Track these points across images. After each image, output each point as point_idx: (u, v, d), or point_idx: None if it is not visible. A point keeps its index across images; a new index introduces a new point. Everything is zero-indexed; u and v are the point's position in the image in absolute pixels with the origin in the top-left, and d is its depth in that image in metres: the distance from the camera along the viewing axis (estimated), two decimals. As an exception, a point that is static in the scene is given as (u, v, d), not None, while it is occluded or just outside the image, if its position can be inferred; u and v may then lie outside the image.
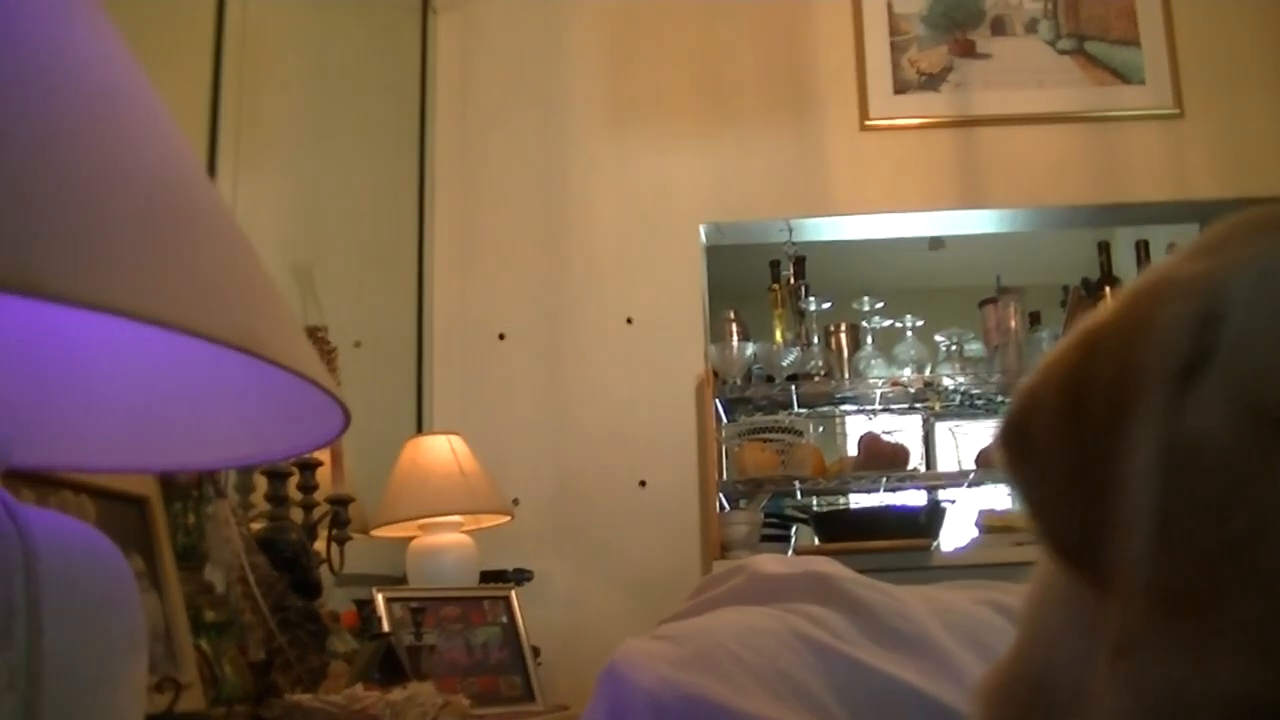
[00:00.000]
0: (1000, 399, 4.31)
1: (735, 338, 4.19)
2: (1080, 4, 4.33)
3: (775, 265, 4.43)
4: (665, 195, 4.22)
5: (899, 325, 4.30)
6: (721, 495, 4.08)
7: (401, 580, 3.18)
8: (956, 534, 4.12)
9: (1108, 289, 4.39)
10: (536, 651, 3.01)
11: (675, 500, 3.97)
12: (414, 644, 2.52)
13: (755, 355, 4.19)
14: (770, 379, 4.19)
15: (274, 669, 1.95)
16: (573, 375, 4.10)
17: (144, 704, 1.04)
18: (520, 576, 3.28)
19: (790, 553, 4.05)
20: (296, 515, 2.42)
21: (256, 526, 2.26)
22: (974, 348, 4.31)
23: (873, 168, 4.23)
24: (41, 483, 1.41)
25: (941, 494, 4.39)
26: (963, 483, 4.21)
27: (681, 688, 1.39)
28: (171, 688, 1.58)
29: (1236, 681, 0.73)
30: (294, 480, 2.39)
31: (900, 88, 4.28)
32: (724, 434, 4.16)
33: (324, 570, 2.43)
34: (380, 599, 2.75)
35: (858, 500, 4.92)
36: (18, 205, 0.74)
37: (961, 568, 3.50)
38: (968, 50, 4.31)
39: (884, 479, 4.14)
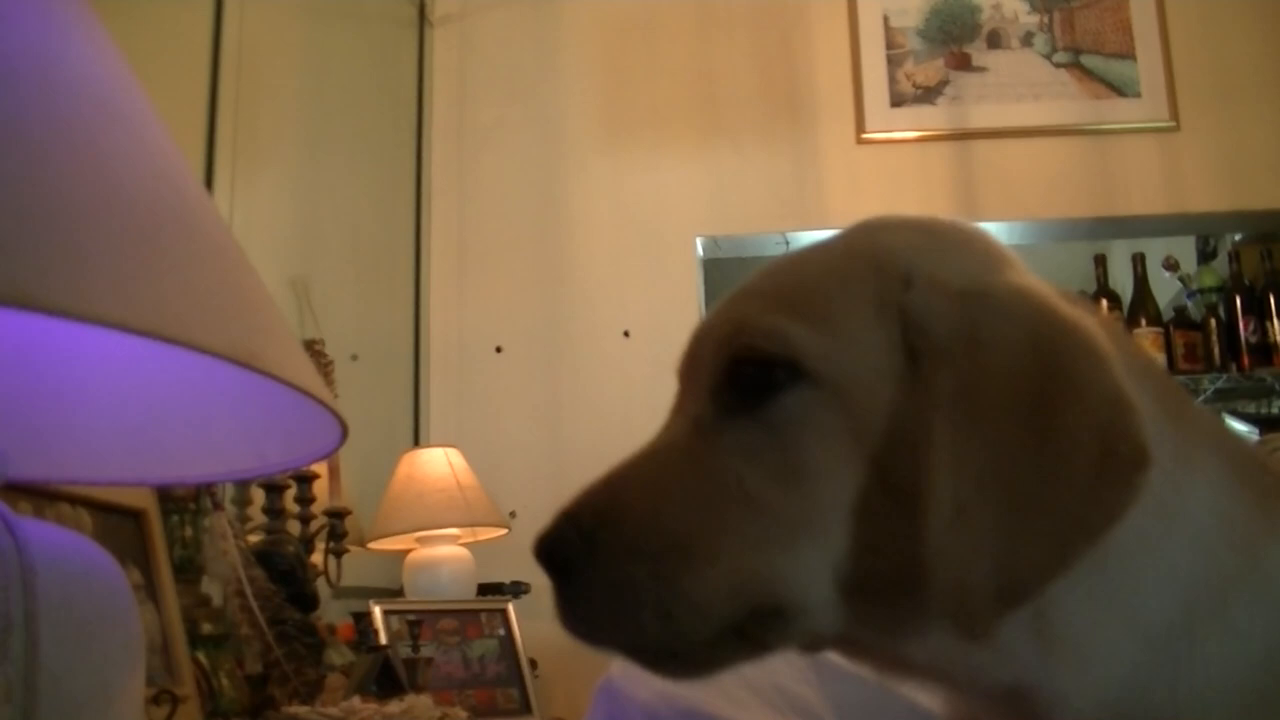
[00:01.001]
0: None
1: (732, 351, 4.19)
2: (1076, 17, 4.34)
3: (772, 278, 4.43)
4: (661, 208, 4.23)
5: (895, 338, 4.29)
6: (718, 508, 4.07)
7: (398, 593, 3.18)
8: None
9: (1104, 302, 4.39)
10: (534, 664, 3.01)
11: (672, 513, 3.96)
12: (411, 657, 2.52)
13: (752, 368, 4.18)
14: (767, 392, 4.18)
15: (271, 682, 1.95)
16: (570, 388, 4.10)
17: (141, 716, 1.04)
18: (517, 589, 3.27)
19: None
20: (293, 528, 2.42)
21: (253, 539, 2.26)
22: (971, 360, 4.31)
23: (869, 181, 4.23)
24: (39, 495, 1.41)
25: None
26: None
27: (677, 702, 1.39)
28: (168, 700, 1.58)
29: None
30: (291, 493, 2.39)
31: (896, 101, 4.28)
32: (721, 447, 4.16)
33: (321, 583, 2.43)
34: (377, 612, 2.74)
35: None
36: (13, 219, 0.74)
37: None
38: (963, 64, 4.31)
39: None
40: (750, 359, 0.79)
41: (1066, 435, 0.73)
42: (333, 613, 2.64)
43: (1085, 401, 0.74)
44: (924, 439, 0.74)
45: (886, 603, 0.77)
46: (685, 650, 0.77)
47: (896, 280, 0.79)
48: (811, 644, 0.83)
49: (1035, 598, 0.72)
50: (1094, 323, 0.78)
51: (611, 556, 0.77)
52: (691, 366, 0.86)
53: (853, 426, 0.76)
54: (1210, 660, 0.76)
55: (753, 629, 0.77)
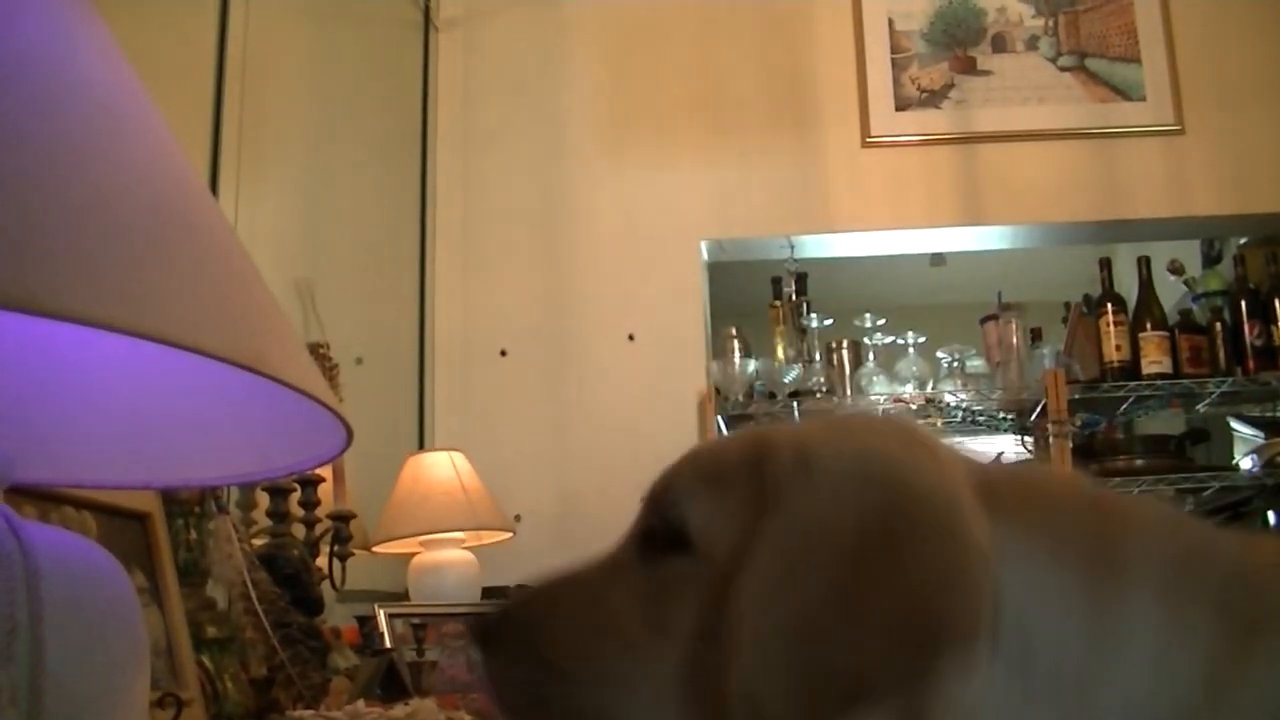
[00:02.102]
0: (1002, 416, 4.31)
1: (737, 354, 4.18)
2: (1080, 21, 4.34)
3: (777, 282, 4.43)
4: (666, 212, 4.23)
5: (900, 342, 4.29)
6: (723, 512, 4.07)
7: (403, 596, 3.18)
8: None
9: (1109, 305, 4.39)
10: (538, 668, 3.00)
11: (677, 517, 3.95)
12: (416, 660, 2.52)
13: (757, 372, 4.18)
14: (772, 396, 4.18)
15: (275, 685, 1.95)
16: (574, 392, 4.10)
17: (145, 720, 1.04)
18: (522, 593, 3.26)
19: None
20: (298, 531, 2.42)
21: (258, 543, 2.26)
22: (976, 364, 4.31)
23: (874, 184, 4.23)
24: (44, 499, 1.41)
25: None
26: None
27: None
28: (173, 704, 1.57)
29: None
30: (296, 496, 2.39)
31: (901, 105, 4.28)
32: (725, 451, 4.15)
33: (325, 586, 2.42)
34: (382, 615, 2.74)
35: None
36: (20, 222, 0.74)
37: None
38: (968, 67, 4.31)
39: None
40: (659, 526, 0.87)
41: (867, 601, 0.75)
42: (337, 616, 2.64)
43: (895, 570, 0.75)
44: (741, 578, 0.78)
45: None
46: None
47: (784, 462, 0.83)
48: None
49: None
50: (967, 499, 0.79)
51: (511, 658, 0.90)
52: (642, 506, 0.92)
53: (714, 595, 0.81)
54: None
55: None
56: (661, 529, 0.87)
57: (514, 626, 0.91)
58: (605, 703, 0.85)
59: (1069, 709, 0.76)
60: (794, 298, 4.33)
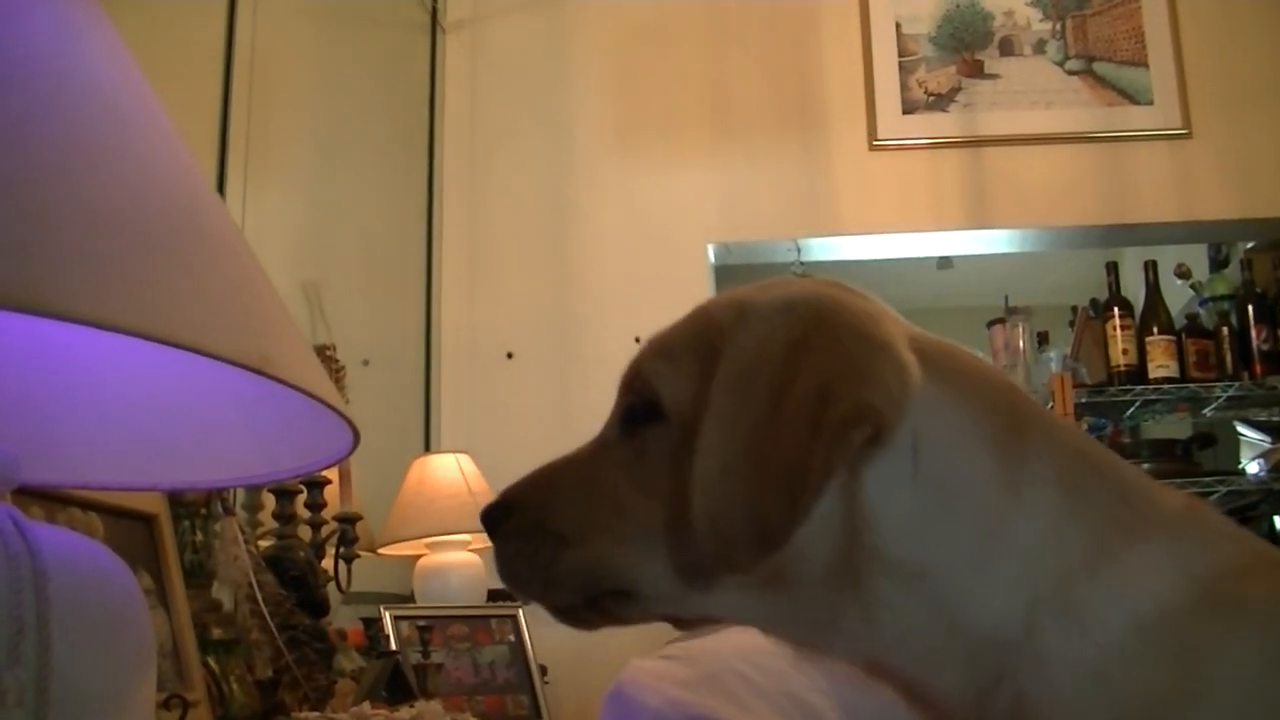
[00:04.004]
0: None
1: (743, 357, 4.18)
2: (1088, 25, 4.34)
3: (783, 285, 4.43)
4: (673, 215, 4.22)
5: (907, 345, 4.28)
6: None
7: (409, 599, 3.18)
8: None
9: (1116, 309, 4.39)
10: (544, 670, 3.00)
11: (683, 519, 3.95)
12: (421, 662, 2.51)
13: (763, 375, 4.17)
14: (777, 398, 4.18)
15: (281, 687, 1.95)
16: (581, 394, 4.10)
17: (151, 722, 1.04)
18: (527, 595, 3.26)
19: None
20: (304, 533, 2.41)
21: (264, 544, 2.26)
22: (982, 367, 4.30)
23: (881, 188, 4.23)
24: (51, 500, 1.41)
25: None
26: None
27: (689, 708, 1.39)
28: (179, 705, 1.58)
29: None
30: (302, 498, 2.38)
31: (908, 108, 4.28)
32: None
33: (331, 588, 2.42)
34: (387, 617, 2.74)
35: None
36: (27, 224, 0.74)
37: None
38: (976, 71, 4.31)
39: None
40: (635, 402, 1.02)
41: (794, 399, 0.86)
42: (343, 618, 2.63)
43: (814, 370, 0.87)
44: (701, 417, 0.91)
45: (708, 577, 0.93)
46: (562, 610, 1.00)
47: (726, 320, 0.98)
48: (665, 618, 1.01)
49: (784, 542, 0.86)
50: (893, 330, 0.92)
51: (516, 533, 1.03)
52: (618, 392, 1.08)
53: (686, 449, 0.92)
54: (1042, 669, 0.86)
55: (608, 603, 0.98)
56: (636, 406, 1.01)
57: (518, 508, 1.04)
58: (602, 559, 0.96)
59: (980, 537, 0.88)
60: (801, 301, 4.32)
